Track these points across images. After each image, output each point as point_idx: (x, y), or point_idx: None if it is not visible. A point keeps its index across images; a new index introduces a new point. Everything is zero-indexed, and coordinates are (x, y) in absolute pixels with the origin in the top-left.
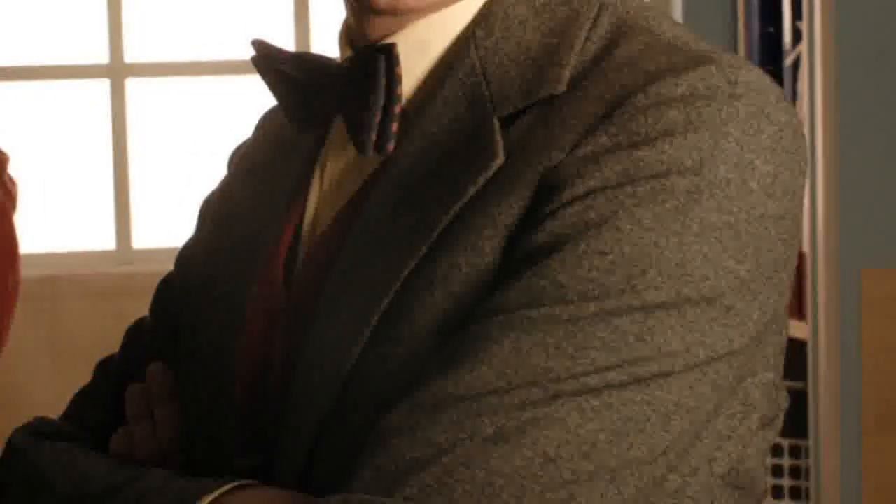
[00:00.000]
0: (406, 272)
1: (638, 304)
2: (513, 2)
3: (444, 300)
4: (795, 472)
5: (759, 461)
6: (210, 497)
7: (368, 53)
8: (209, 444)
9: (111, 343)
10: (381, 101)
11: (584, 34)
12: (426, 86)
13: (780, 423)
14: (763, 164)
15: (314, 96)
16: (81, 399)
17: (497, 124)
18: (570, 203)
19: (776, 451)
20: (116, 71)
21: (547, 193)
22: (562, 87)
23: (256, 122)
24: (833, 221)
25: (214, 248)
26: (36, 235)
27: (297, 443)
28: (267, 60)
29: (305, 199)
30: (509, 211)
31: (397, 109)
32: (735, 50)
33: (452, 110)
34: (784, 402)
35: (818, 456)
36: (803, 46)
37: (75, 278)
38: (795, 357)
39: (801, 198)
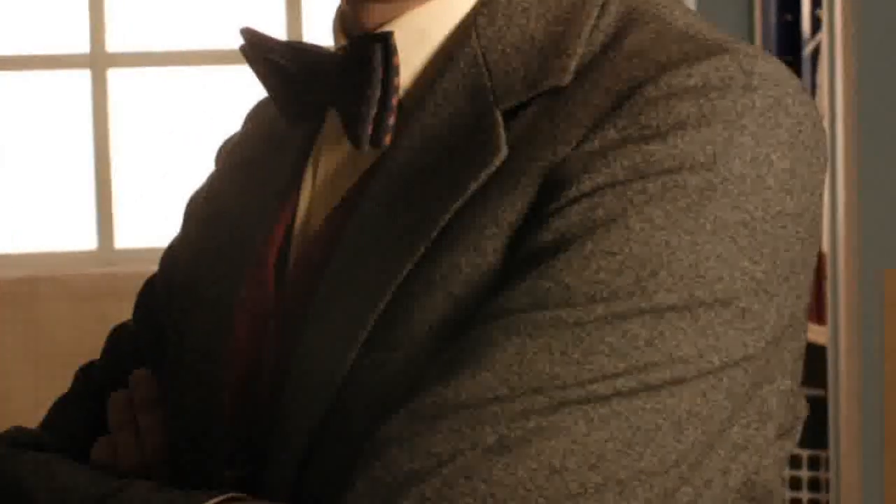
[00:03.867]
0: (404, 273)
1: (648, 307)
2: None
3: (444, 302)
4: (815, 485)
5: (777, 473)
6: None
7: (364, 42)
8: (196, 454)
9: (93, 347)
10: (378, 93)
11: (591, 22)
12: (425, 77)
13: (798, 432)
14: (780, 160)
15: (307, 87)
16: (62, 407)
17: (499, 117)
18: (576, 200)
19: (794, 462)
20: (98, 61)
21: (552, 190)
22: (568, 79)
23: (245, 115)
24: (854, 220)
25: (201, 247)
26: (14, 235)
27: (289, 453)
28: (257, 49)
29: (297, 196)
30: (512, 209)
31: (394, 101)
32: (751, 39)
33: (452, 103)
34: (803, 410)
35: (838, 467)
36: (823, 35)
37: (55, 280)
38: (814, 363)
39: (821, 195)
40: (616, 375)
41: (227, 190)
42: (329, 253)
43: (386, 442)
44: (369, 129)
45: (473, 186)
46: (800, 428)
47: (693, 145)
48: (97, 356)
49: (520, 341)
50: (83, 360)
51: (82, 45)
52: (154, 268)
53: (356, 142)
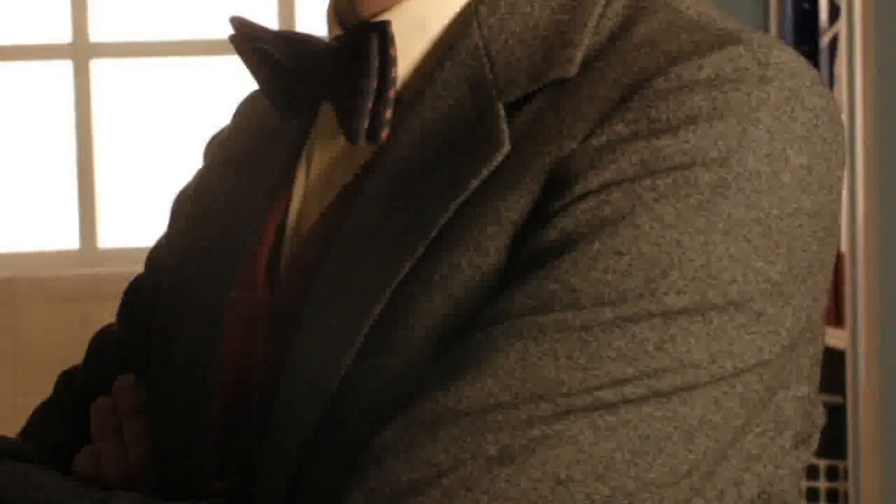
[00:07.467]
0: (401, 274)
1: (658, 310)
2: None
3: (444, 305)
4: (833, 496)
5: (793, 483)
6: None
7: (359, 32)
8: (183, 464)
9: (75, 352)
10: (374, 85)
11: (598, 11)
12: (424, 68)
13: (815, 441)
14: (797, 155)
15: (299, 79)
16: (42, 414)
17: (502, 110)
18: (582, 198)
19: (811, 472)
20: (80, 51)
21: (557, 187)
22: (574, 70)
23: (235, 108)
24: (874, 218)
25: (189, 247)
26: None
27: (281, 463)
28: (247, 40)
29: (290, 193)
30: (515, 206)
31: (391, 94)
32: (766, 28)
33: (453, 95)
34: (820, 418)
35: (858, 478)
36: (842, 24)
37: (36, 281)
38: (833, 368)
39: (839, 192)
40: (624, 382)
41: (216, 187)
42: (323, 253)
43: (383, 451)
44: (365, 123)
45: (474, 183)
46: (817, 436)
47: (705, 140)
48: (79, 361)
49: (523, 346)
50: (65, 366)
51: (64, 35)
52: (139, 268)
53: (351, 136)
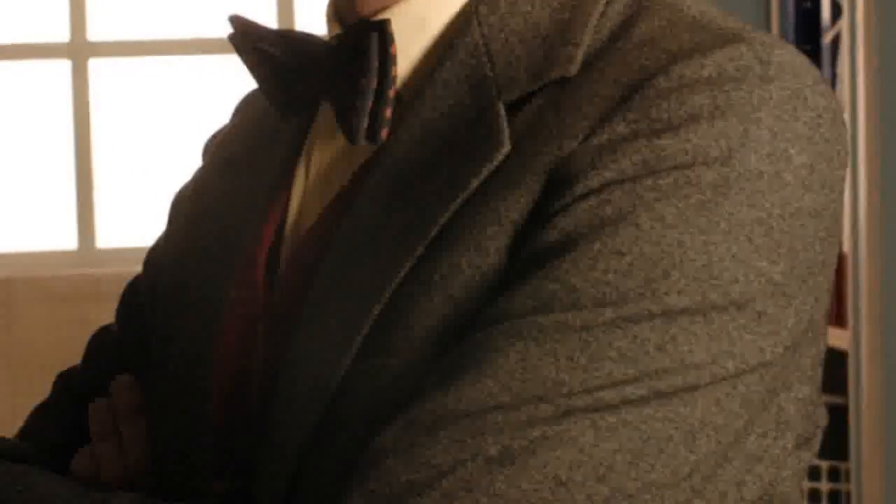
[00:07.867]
0: (401, 274)
1: (659, 311)
2: None
3: (444, 305)
4: (835, 498)
5: (795, 485)
6: None
7: (359, 31)
8: (182, 465)
9: (73, 352)
10: (374, 84)
11: (599, 9)
12: (424, 67)
13: (817, 442)
14: (799, 154)
15: (299, 78)
16: (40, 415)
17: (502, 110)
18: (583, 197)
19: (813, 473)
20: (78, 50)
21: (558, 187)
22: (574, 69)
23: (235, 108)
24: (876, 218)
25: (188, 247)
26: None
27: (280, 464)
28: (246, 38)
29: (289, 193)
30: (516, 206)
31: (391, 93)
32: (768, 27)
33: (453, 94)
34: (822, 419)
35: (860, 479)
36: (843, 23)
37: (33, 281)
38: (835, 369)
39: (841, 191)
40: (625, 382)
41: (215, 186)
42: (322, 253)
43: (382, 452)
44: (364, 123)
45: (474, 183)
46: (819, 437)
47: (707, 139)
48: (77, 361)
49: (523, 346)
50: (63, 366)
51: (62, 34)
52: (137, 269)
53: (351, 136)
